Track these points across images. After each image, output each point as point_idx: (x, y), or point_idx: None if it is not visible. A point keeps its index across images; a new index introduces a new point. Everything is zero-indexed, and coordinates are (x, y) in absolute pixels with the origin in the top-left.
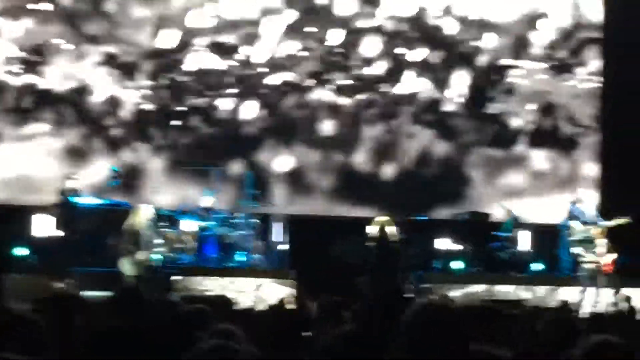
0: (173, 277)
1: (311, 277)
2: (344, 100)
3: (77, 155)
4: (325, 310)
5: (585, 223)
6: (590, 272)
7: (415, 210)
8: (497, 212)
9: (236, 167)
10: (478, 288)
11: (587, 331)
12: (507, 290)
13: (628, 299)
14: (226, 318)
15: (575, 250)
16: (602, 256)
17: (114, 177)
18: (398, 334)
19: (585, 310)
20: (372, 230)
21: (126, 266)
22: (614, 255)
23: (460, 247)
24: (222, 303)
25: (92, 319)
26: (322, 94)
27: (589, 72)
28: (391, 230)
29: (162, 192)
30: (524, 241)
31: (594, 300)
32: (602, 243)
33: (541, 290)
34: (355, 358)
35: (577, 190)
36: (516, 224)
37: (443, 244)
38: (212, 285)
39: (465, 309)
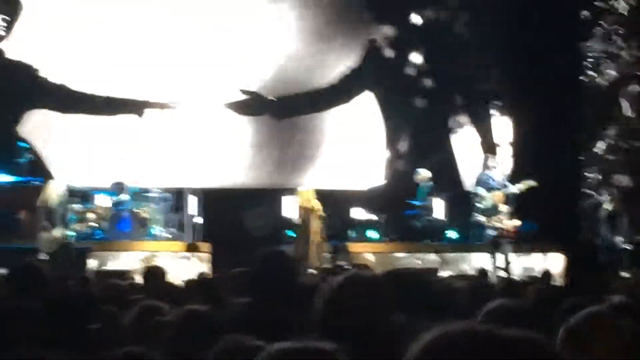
0: (88, 253)
1: (226, 249)
2: None
3: None
4: (238, 282)
5: (491, 189)
6: (495, 238)
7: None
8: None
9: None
10: (396, 256)
11: (502, 296)
12: (423, 258)
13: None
14: (156, 290)
15: (481, 216)
16: (505, 222)
17: (24, 153)
18: (317, 307)
19: (496, 276)
20: (296, 201)
21: (41, 242)
22: (517, 222)
23: (375, 217)
24: (155, 274)
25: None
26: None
27: None
28: (316, 201)
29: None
30: (439, 209)
31: (503, 266)
32: (504, 209)
33: (456, 257)
34: (257, 327)
35: (487, 156)
36: (431, 191)
37: (359, 213)
38: (127, 260)
39: (384, 278)
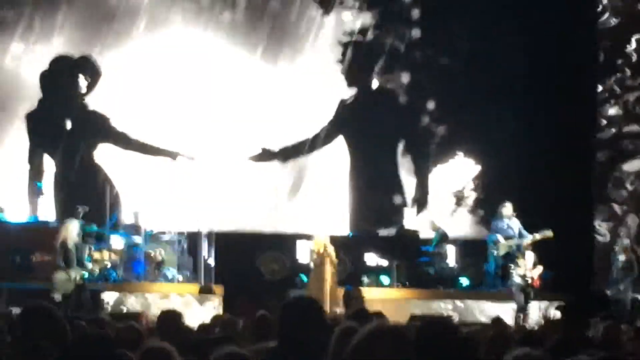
0: (103, 294)
1: (238, 292)
2: None
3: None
4: (252, 325)
5: (510, 237)
6: (520, 286)
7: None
8: (425, 228)
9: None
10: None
11: (521, 345)
12: (436, 306)
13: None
14: (171, 333)
15: (504, 264)
16: (530, 270)
17: (39, 194)
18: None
19: (518, 323)
20: (311, 247)
21: (57, 283)
22: (540, 269)
23: (388, 262)
24: (171, 317)
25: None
26: None
27: None
28: (330, 247)
29: None
30: (451, 256)
31: (524, 313)
32: (529, 257)
33: (467, 304)
34: None
35: (502, 205)
36: (443, 239)
37: (372, 259)
38: (140, 302)
39: (407, 327)
